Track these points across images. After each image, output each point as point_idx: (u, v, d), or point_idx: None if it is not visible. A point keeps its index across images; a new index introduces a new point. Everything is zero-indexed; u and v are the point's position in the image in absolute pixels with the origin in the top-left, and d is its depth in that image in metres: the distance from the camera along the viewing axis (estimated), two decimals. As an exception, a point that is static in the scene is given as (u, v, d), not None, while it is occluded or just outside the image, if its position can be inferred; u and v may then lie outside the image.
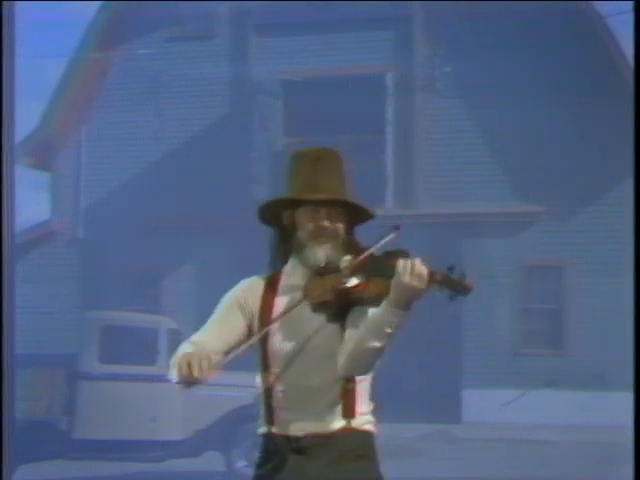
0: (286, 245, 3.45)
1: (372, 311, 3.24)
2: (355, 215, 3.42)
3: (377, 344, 3.21)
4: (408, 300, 3.17)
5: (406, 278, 3.13)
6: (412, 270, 3.14)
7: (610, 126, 18.35)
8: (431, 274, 3.16)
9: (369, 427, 3.40)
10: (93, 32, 21.06)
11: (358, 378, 3.35)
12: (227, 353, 3.33)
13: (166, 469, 12.41)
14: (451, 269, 3.17)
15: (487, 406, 18.63)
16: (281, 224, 3.45)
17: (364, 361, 3.26)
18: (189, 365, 3.13)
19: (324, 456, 3.31)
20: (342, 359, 3.27)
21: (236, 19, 20.95)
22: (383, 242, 3.28)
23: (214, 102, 20.96)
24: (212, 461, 12.51)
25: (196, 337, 3.41)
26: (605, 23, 19.02)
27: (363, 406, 3.39)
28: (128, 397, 12.17)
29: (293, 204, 3.39)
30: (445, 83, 20.05)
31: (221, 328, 3.41)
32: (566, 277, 19.48)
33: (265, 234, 3.56)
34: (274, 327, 3.35)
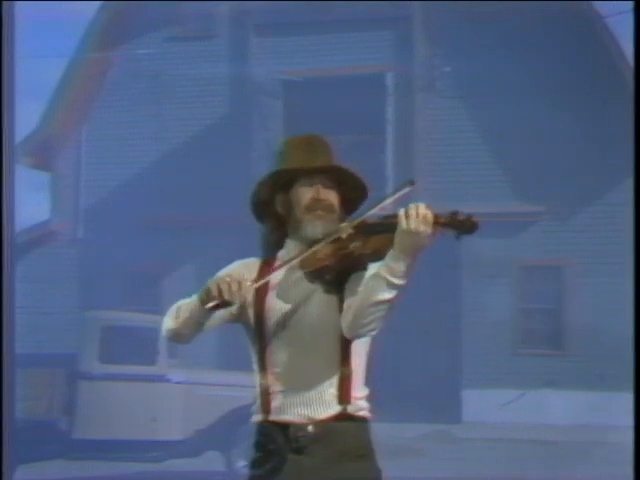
0: (281, 232, 3.45)
1: (377, 265, 3.20)
2: (349, 191, 3.43)
3: (386, 296, 3.16)
4: (415, 247, 3.13)
5: (412, 223, 3.10)
6: (417, 214, 3.11)
7: (610, 126, 18.35)
8: (436, 217, 3.13)
9: (365, 414, 3.38)
10: (93, 32, 21.05)
11: (354, 362, 3.33)
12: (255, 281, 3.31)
13: (166, 469, 12.40)
14: (455, 213, 3.14)
15: (487, 406, 18.63)
16: (274, 212, 3.45)
17: (373, 316, 3.19)
18: (219, 289, 3.15)
19: (323, 454, 3.29)
20: (349, 317, 3.22)
21: (236, 19, 20.94)
22: (397, 195, 3.26)
23: (214, 102, 20.96)
24: (212, 461, 12.50)
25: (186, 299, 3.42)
26: (605, 23, 19.02)
27: (358, 391, 3.36)
28: (128, 397, 12.16)
29: (287, 184, 3.40)
30: (445, 83, 20.05)
31: None
32: (566, 277, 19.47)
33: (261, 230, 3.56)
34: (270, 303, 3.34)
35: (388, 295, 3.16)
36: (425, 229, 3.11)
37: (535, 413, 18.13)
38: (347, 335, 3.26)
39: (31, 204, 24.39)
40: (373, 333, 3.29)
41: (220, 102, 21.05)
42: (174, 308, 3.41)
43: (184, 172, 20.49)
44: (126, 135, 20.97)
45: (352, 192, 3.44)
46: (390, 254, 3.15)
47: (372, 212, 3.27)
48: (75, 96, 21.19)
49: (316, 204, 3.36)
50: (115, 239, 19.57)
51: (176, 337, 3.43)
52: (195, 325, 3.35)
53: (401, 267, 3.13)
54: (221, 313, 3.32)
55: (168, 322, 3.42)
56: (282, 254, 3.43)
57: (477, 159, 19.85)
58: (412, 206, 3.13)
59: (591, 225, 19.26)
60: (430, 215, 3.12)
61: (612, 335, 17.56)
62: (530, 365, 19.05)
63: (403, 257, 3.13)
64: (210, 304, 3.19)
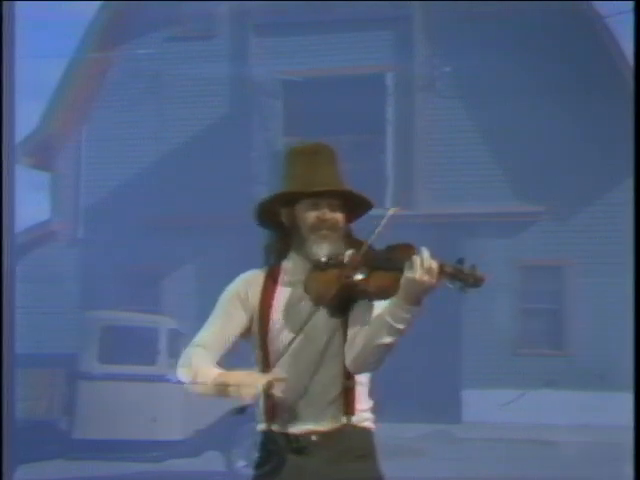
0: (284, 243, 3.44)
1: (381, 306, 3.22)
2: (354, 207, 3.42)
3: (388, 340, 3.19)
4: (419, 295, 3.14)
5: (417, 274, 3.10)
6: (422, 265, 3.11)
7: (610, 126, 18.35)
8: (441, 268, 3.12)
9: (368, 424, 3.39)
10: (93, 32, 21.06)
11: (358, 375, 3.34)
12: (230, 350, 3.36)
13: (166, 469, 12.40)
14: (460, 261, 3.13)
15: (487, 406, 18.63)
16: (279, 222, 3.44)
17: (375, 357, 3.23)
18: (239, 389, 3.20)
19: (324, 455, 3.30)
20: (352, 355, 3.25)
21: (236, 19, 20.95)
22: (383, 223, 3.26)
23: (214, 102, 20.97)
24: (212, 461, 12.50)
25: (201, 337, 3.41)
26: (605, 23, 19.02)
27: (363, 403, 3.38)
28: (128, 397, 12.16)
29: (292, 200, 3.38)
30: (445, 83, 20.05)
31: (223, 324, 3.41)
32: (566, 277, 19.48)
33: (265, 234, 3.55)
34: (275, 322, 3.34)
35: (390, 339, 3.19)
36: (430, 279, 3.11)
37: (535, 413, 18.12)
38: (349, 370, 3.30)
39: (31, 204, 24.40)
40: (374, 371, 3.33)
41: (220, 102, 21.05)
42: (189, 367, 3.38)
43: (184, 172, 20.49)
44: (126, 135, 20.97)
45: (355, 210, 3.43)
46: (394, 300, 3.17)
47: (365, 249, 3.25)
48: (75, 96, 21.19)
49: (321, 224, 3.35)
50: (115, 239, 19.58)
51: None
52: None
53: (404, 314, 3.16)
54: (231, 345, 3.39)
55: (185, 380, 3.40)
56: (286, 265, 3.42)
57: (477, 159, 19.85)
58: (416, 257, 3.12)
59: (591, 225, 19.27)
60: (435, 266, 3.12)
61: (612, 335, 17.57)
62: (530, 365, 19.05)
63: (407, 305, 3.15)
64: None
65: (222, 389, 3.24)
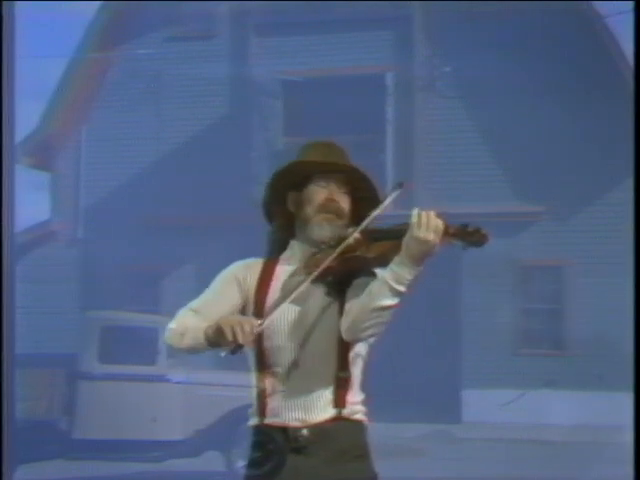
0: (287, 231, 3.44)
1: (381, 270, 3.19)
2: (359, 201, 3.41)
3: (387, 302, 3.14)
4: (422, 255, 3.11)
5: (422, 232, 3.08)
6: (427, 223, 3.09)
7: (610, 126, 18.35)
8: (446, 227, 3.10)
9: (360, 417, 3.37)
10: (93, 32, 21.06)
11: (352, 366, 3.32)
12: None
13: (166, 469, 12.40)
14: (465, 225, 3.12)
15: (487, 406, 18.63)
16: (283, 210, 3.44)
17: (373, 321, 3.18)
18: (233, 332, 3.12)
19: (321, 455, 3.29)
20: (349, 320, 3.21)
21: (236, 19, 20.95)
22: (388, 201, 3.25)
23: (214, 102, 20.96)
24: (212, 461, 12.50)
25: (195, 304, 3.41)
26: (605, 23, 19.02)
27: (355, 395, 3.36)
28: (128, 397, 12.17)
29: (301, 183, 3.38)
30: (445, 83, 20.05)
31: (218, 299, 3.40)
32: (566, 277, 19.47)
33: (265, 234, 3.55)
34: (270, 303, 3.32)
35: (390, 301, 3.15)
36: (434, 238, 3.09)
37: (535, 413, 18.12)
38: (345, 338, 3.25)
39: (31, 204, 24.39)
40: (372, 338, 3.29)
41: (220, 102, 21.05)
42: (180, 325, 3.37)
43: (184, 172, 20.49)
44: (126, 135, 20.97)
45: (365, 193, 3.40)
46: (396, 260, 3.14)
47: (371, 219, 3.24)
48: (75, 96, 21.19)
49: (329, 205, 3.35)
50: (115, 239, 19.58)
51: (178, 351, 3.44)
52: (198, 351, 3.36)
53: (406, 274, 3.12)
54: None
55: (172, 338, 3.39)
56: (286, 256, 3.42)
57: (477, 159, 19.85)
58: (424, 214, 3.11)
59: (591, 225, 19.26)
60: (441, 224, 3.10)
61: (612, 335, 17.56)
62: (530, 365, 19.05)
63: (409, 264, 3.12)
64: (224, 352, 3.18)
65: (216, 337, 3.18)
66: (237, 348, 3.14)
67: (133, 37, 21.36)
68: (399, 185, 3.27)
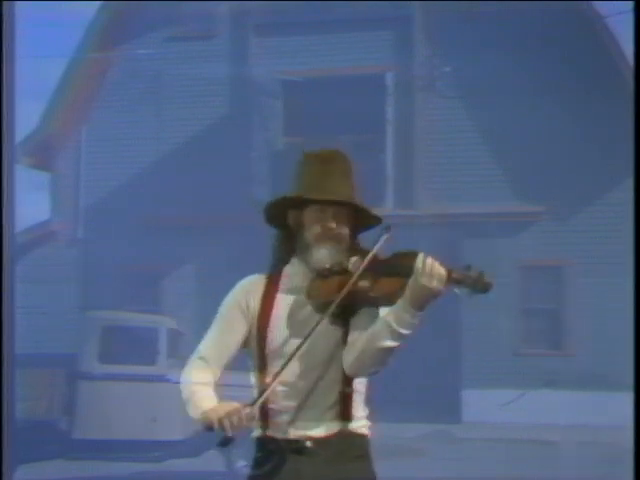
0: (289, 245, 3.42)
1: (385, 311, 3.20)
2: (361, 219, 3.39)
3: (389, 344, 3.17)
4: (425, 301, 3.13)
5: (424, 279, 3.08)
6: (431, 271, 3.09)
7: (610, 126, 18.34)
8: (449, 274, 3.10)
9: (364, 430, 3.39)
10: (93, 32, 21.05)
11: (356, 381, 3.32)
12: (227, 366, 3.38)
13: (166, 469, 12.40)
14: (468, 268, 3.11)
15: (487, 406, 18.62)
16: (286, 223, 3.42)
17: (374, 361, 3.21)
18: (223, 426, 3.13)
19: (321, 456, 3.30)
20: (351, 358, 3.22)
21: (236, 19, 20.94)
22: (379, 245, 3.24)
23: (214, 102, 20.96)
24: (212, 461, 12.49)
25: (203, 348, 3.41)
26: (605, 23, 19.01)
27: (360, 410, 3.37)
28: (128, 397, 12.16)
29: (300, 204, 3.36)
30: (445, 83, 20.04)
31: (224, 335, 3.39)
32: (566, 277, 19.47)
33: (265, 234, 3.55)
34: (274, 329, 3.32)
35: (392, 343, 3.17)
36: (437, 285, 3.09)
37: (535, 413, 18.11)
38: (348, 374, 3.26)
39: (31, 204, 24.37)
40: (372, 375, 3.31)
41: (220, 102, 21.04)
42: (186, 386, 3.40)
43: (184, 172, 20.47)
44: (126, 135, 20.96)
45: (362, 221, 3.39)
46: (400, 304, 3.14)
47: (369, 257, 3.22)
48: (75, 96, 21.19)
49: (327, 233, 3.32)
50: (115, 239, 19.56)
51: None
52: None
53: (409, 319, 3.14)
54: (232, 355, 3.40)
55: (182, 392, 3.43)
56: (288, 270, 3.41)
57: (477, 159, 19.84)
58: (428, 261, 3.10)
59: (591, 225, 19.26)
60: (444, 272, 3.10)
61: (612, 335, 17.56)
62: (530, 365, 19.04)
63: (413, 309, 3.13)
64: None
65: (205, 426, 3.22)
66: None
67: (133, 37, 21.36)
68: (387, 229, 3.25)
